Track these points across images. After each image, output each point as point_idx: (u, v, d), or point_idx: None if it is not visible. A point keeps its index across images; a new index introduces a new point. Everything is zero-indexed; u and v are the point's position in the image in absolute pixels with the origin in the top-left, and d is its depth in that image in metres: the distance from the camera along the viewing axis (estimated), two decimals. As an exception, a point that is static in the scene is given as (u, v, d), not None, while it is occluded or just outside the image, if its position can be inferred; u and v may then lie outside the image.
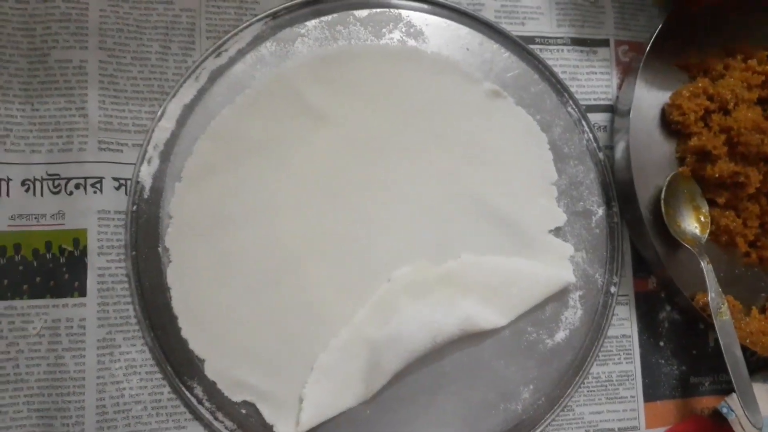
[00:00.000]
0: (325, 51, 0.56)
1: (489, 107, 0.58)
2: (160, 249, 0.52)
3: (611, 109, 0.61)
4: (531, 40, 0.60)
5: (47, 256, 0.51)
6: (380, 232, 0.54)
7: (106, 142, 0.53)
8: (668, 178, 0.57)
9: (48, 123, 0.52)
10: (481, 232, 0.55)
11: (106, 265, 0.52)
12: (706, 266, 0.55)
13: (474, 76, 0.58)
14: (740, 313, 0.56)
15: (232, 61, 0.55)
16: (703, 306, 0.54)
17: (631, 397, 0.57)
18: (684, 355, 0.59)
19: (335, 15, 0.57)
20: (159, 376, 0.51)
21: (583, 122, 0.59)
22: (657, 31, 0.56)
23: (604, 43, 0.62)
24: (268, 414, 0.51)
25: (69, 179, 0.52)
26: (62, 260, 0.51)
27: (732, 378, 0.51)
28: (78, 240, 0.51)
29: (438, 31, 0.58)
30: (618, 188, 0.58)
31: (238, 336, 0.51)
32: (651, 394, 0.58)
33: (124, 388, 0.50)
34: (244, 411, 0.51)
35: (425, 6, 0.59)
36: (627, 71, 0.61)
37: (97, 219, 0.52)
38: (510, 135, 0.57)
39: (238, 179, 0.53)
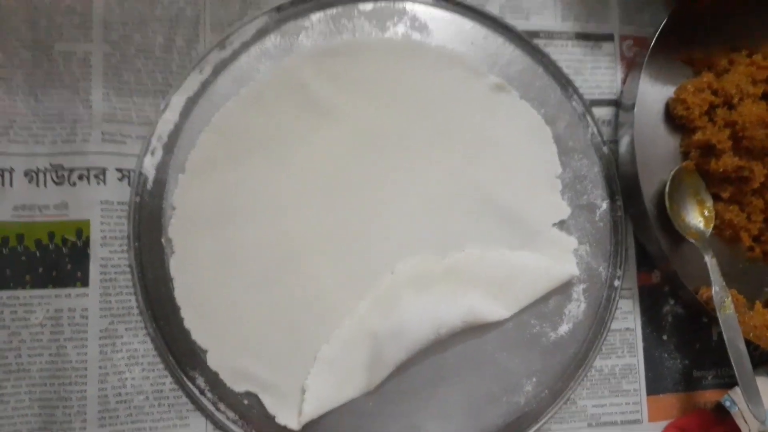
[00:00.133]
0: (329, 44, 0.56)
1: (493, 101, 0.57)
2: (163, 240, 0.52)
3: (616, 103, 0.60)
4: (536, 34, 0.60)
5: (50, 246, 0.51)
6: (384, 225, 0.54)
7: (110, 134, 0.53)
8: (672, 173, 0.57)
9: (52, 114, 0.52)
10: (485, 225, 0.55)
11: (109, 255, 0.52)
12: (710, 260, 0.55)
13: (479, 70, 0.57)
14: (744, 307, 0.56)
15: (237, 54, 0.55)
16: (706, 300, 0.54)
17: (634, 390, 0.57)
18: (687, 349, 0.59)
19: (340, 8, 0.57)
20: (161, 366, 0.51)
21: (588, 116, 0.59)
22: (661, 26, 0.56)
23: (609, 37, 0.61)
24: (271, 405, 0.51)
25: (72, 170, 0.52)
26: (65, 251, 0.51)
27: (735, 372, 0.51)
28: (81, 230, 0.51)
29: (443, 25, 0.58)
30: (622, 182, 0.58)
31: (240, 327, 0.51)
32: (654, 387, 0.57)
33: (126, 379, 0.50)
34: (246, 402, 0.51)
35: (430, -1, 0.59)
36: (631, 66, 0.61)
37: (100, 210, 0.52)
38: (514, 129, 0.57)
39: (242, 172, 0.53)
